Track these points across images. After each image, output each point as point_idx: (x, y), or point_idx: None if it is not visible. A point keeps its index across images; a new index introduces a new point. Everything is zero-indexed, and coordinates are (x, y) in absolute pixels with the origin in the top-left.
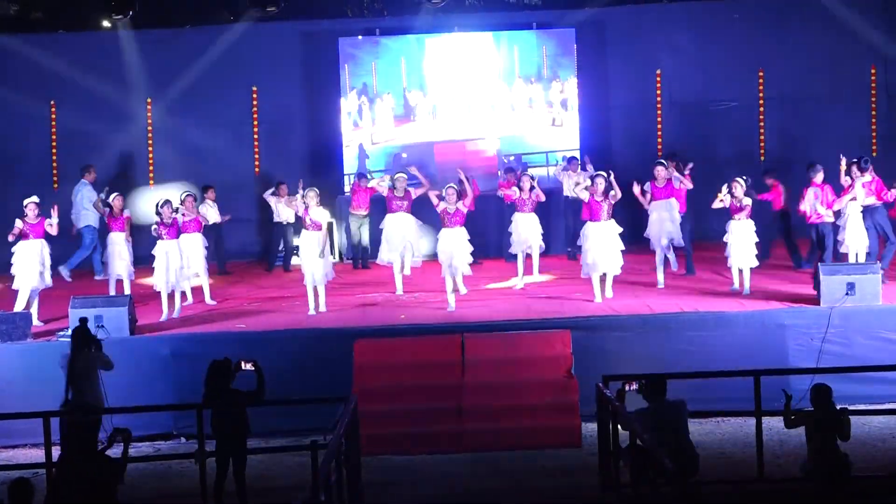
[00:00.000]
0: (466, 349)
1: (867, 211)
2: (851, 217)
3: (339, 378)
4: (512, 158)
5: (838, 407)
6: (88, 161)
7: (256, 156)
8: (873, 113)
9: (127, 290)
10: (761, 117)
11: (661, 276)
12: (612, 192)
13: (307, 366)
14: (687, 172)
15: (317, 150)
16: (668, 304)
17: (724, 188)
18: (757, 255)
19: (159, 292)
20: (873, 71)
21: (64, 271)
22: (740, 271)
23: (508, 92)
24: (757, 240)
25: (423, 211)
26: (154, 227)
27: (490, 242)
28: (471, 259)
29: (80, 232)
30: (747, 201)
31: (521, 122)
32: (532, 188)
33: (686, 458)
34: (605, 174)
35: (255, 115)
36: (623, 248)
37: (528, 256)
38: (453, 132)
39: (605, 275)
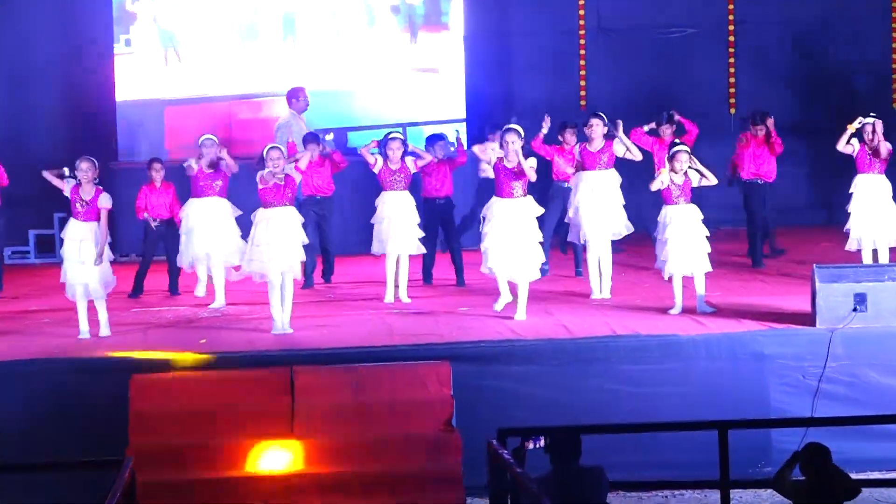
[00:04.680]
0: (297, 390)
1: None
2: (861, 194)
3: (108, 432)
4: (331, 137)
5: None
6: None
7: None
8: (894, 35)
9: None
10: (731, 50)
11: (595, 283)
12: (530, 164)
13: (64, 414)
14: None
15: (77, 112)
16: (595, 324)
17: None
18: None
19: None
20: None
21: None
22: (686, 279)
23: (334, 17)
24: (707, 232)
25: None
26: None
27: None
28: (302, 256)
29: None
30: (691, 174)
31: (354, 67)
32: (407, 154)
33: None
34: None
35: None
36: (541, 238)
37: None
38: (236, 83)
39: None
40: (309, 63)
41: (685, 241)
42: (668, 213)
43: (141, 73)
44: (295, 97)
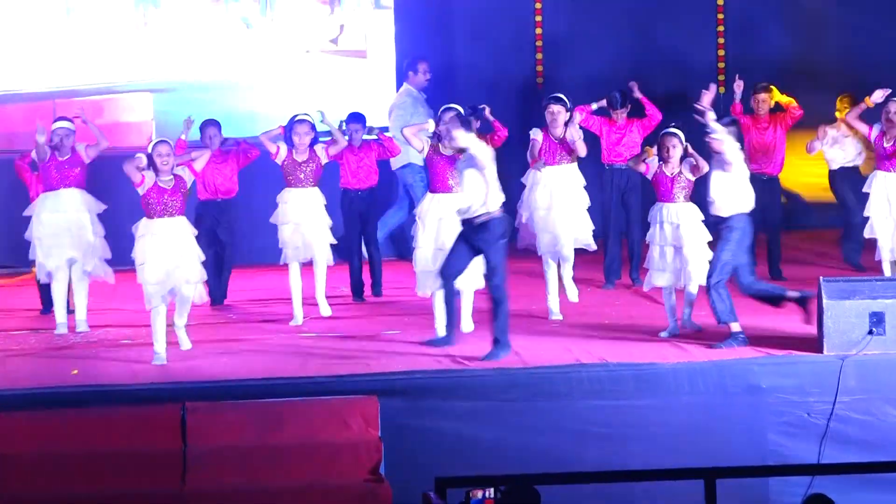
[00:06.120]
0: (190, 431)
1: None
2: (880, 195)
3: None
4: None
5: None
6: None
7: None
8: None
9: None
10: (720, 16)
11: (554, 302)
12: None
13: None
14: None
15: None
16: (555, 351)
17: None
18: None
19: None
20: None
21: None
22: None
23: None
24: (709, 237)
25: None
26: None
27: None
28: (202, 276)
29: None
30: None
31: (242, 51)
32: (316, 141)
33: None
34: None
35: None
36: None
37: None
38: (65, 73)
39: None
40: (174, 47)
41: (692, 244)
42: (659, 213)
43: None
44: (413, 69)
